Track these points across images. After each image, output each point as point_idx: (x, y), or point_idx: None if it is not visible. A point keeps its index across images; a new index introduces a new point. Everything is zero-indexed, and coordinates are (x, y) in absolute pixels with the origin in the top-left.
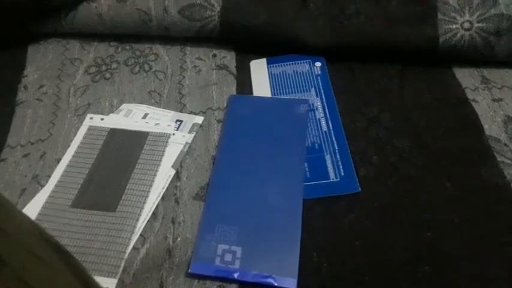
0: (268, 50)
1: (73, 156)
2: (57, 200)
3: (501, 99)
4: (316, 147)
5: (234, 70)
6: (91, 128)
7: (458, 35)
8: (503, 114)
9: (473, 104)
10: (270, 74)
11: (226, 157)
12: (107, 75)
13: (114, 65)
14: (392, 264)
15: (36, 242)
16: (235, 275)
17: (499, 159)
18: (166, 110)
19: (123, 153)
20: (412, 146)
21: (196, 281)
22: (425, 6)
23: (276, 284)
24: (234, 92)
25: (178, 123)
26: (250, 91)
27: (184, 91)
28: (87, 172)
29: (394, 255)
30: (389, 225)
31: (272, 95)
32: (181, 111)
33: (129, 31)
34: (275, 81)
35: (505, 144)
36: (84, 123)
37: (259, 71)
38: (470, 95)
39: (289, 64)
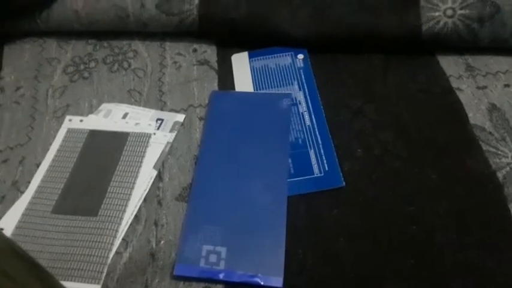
0: (250, 42)
1: (52, 160)
2: (37, 207)
3: (485, 87)
4: (300, 142)
5: (215, 65)
6: (70, 131)
7: (441, 23)
8: (487, 102)
9: (457, 92)
10: (252, 68)
11: (208, 156)
12: (85, 74)
13: (93, 64)
14: (377, 259)
15: (9, 261)
16: (221, 276)
17: (484, 148)
18: (147, 109)
19: (104, 155)
20: (396, 138)
21: (182, 283)
22: None
23: (262, 283)
24: (216, 88)
25: (159, 122)
26: (232, 86)
27: (164, 88)
28: (67, 176)
29: (379, 250)
30: (374, 219)
31: (254, 89)
32: (162, 110)
33: (107, 28)
34: (257, 76)
35: (490, 133)
36: (63, 125)
37: (241, 65)
38: (454, 83)
39: (271, 57)
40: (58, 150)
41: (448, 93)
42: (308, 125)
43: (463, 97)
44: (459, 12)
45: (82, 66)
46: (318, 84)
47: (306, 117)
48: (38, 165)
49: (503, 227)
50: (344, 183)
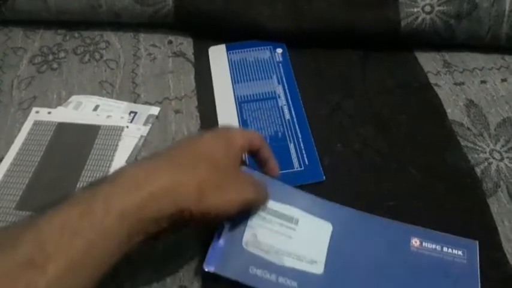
0: (227, 35)
1: (17, 154)
2: (0, 203)
3: (463, 83)
4: (280, 135)
5: (191, 57)
6: (37, 123)
7: (420, 19)
8: (465, 98)
9: (435, 88)
10: (230, 61)
11: None
12: (54, 65)
13: (62, 54)
14: None
15: None
16: None
17: (462, 143)
18: (119, 101)
19: (73, 149)
20: (375, 133)
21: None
22: None
23: None
24: (192, 81)
25: (132, 115)
26: (210, 79)
27: (138, 80)
28: (32, 171)
29: None
30: None
31: (232, 83)
32: (135, 102)
33: (78, 17)
34: (235, 69)
35: (468, 128)
36: (29, 117)
37: (219, 58)
38: (432, 79)
39: (250, 51)
40: (23, 144)
41: (427, 89)
42: (288, 119)
43: (441, 93)
44: (437, 8)
45: (51, 57)
46: (297, 78)
47: (286, 111)
48: (1, 159)
49: (482, 221)
50: (324, 177)
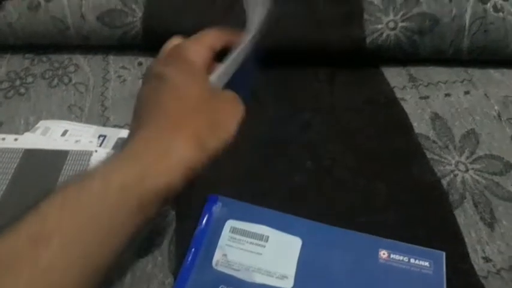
0: None
1: None
2: None
3: (428, 97)
4: None
5: None
6: (2, 150)
7: (384, 35)
8: (430, 111)
9: (402, 102)
10: None
11: None
12: (22, 90)
13: (30, 79)
14: None
15: None
16: None
17: (429, 156)
18: (88, 125)
19: (40, 176)
20: (344, 149)
21: None
22: (352, 6)
23: None
24: None
25: (101, 138)
26: None
27: (107, 103)
28: None
29: None
30: None
31: None
32: (104, 125)
33: (45, 41)
34: None
35: (434, 141)
36: None
37: None
38: (399, 93)
39: None
40: None
41: (393, 103)
42: None
43: (407, 107)
44: (400, 24)
45: (18, 82)
46: (265, 96)
47: None
48: None
49: (450, 233)
50: None
